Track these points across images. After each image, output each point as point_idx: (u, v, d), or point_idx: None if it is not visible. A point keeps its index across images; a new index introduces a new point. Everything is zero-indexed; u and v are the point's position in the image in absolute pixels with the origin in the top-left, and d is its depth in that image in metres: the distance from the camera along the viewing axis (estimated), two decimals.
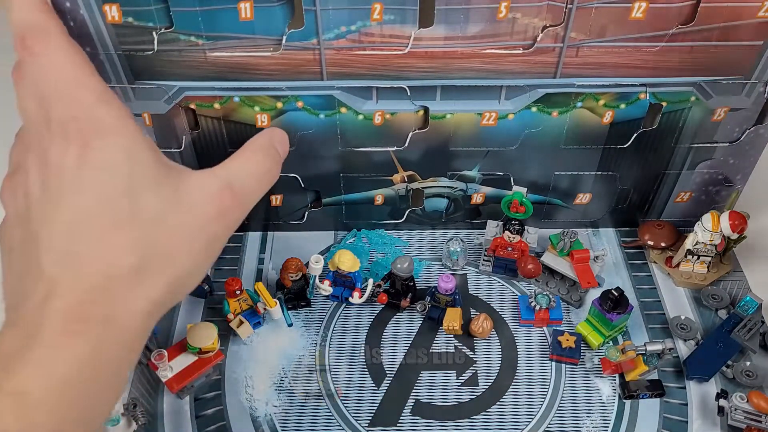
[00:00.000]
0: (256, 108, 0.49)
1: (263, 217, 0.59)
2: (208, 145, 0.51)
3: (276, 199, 0.57)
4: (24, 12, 0.36)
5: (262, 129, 0.49)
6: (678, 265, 0.56)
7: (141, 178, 0.35)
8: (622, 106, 0.50)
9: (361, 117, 0.50)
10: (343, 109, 0.49)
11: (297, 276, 0.53)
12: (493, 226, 0.58)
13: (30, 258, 0.34)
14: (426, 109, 0.50)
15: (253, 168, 0.40)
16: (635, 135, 0.52)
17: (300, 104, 0.48)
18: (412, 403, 0.48)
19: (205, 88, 0.47)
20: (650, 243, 0.58)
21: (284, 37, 0.44)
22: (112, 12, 0.42)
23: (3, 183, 0.38)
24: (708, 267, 0.56)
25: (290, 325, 0.53)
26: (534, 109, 0.50)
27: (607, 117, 0.50)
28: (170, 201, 0.36)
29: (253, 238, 0.60)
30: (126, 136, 0.36)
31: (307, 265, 0.54)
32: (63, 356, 0.32)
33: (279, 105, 0.48)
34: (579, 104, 0.49)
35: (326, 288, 0.54)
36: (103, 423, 0.36)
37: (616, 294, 0.49)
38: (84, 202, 0.34)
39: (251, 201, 0.39)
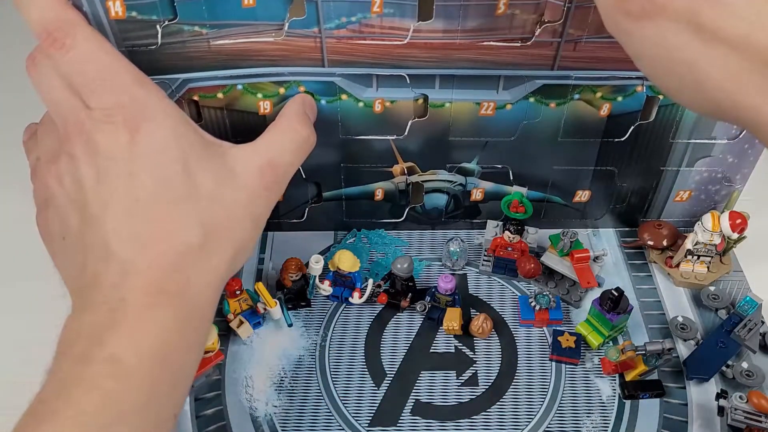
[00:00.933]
0: (259, 95, 0.49)
1: None
2: (212, 135, 0.51)
3: None
4: (46, 6, 0.37)
5: (265, 116, 0.50)
6: (678, 265, 0.56)
7: (192, 157, 0.37)
8: (620, 98, 0.50)
9: (361, 104, 0.50)
10: (344, 96, 0.49)
11: (297, 276, 0.53)
12: (492, 226, 0.58)
13: (93, 242, 0.35)
14: (425, 98, 0.50)
15: (292, 140, 0.42)
16: (632, 127, 0.52)
17: (302, 89, 0.48)
18: (412, 403, 0.48)
19: (209, 78, 0.47)
20: (650, 243, 0.58)
21: (286, 23, 0.44)
22: (116, 8, 0.41)
23: (44, 173, 0.39)
24: (708, 267, 0.56)
25: (290, 325, 0.53)
26: (532, 99, 0.50)
27: (605, 109, 0.51)
28: (221, 178, 0.38)
29: None
30: (170, 117, 0.37)
31: (307, 265, 0.54)
32: (149, 326, 0.34)
33: (282, 90, 0.48)
34: (576, 96, 0.50)
35: (326, 288, 0.54)
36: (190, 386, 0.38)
37: (615, 294, 0.49)
38: (143, 185, 0.36)
39: (292, 171, 0.42)
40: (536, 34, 0.45)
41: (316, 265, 0.53)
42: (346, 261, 0.53)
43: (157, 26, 0.43)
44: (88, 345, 0.33)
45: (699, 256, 0.55)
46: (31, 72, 0.37)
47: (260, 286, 0.51)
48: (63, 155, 0.37)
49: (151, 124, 0.36)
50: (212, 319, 0.38)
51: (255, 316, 0.52)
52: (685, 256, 0.55)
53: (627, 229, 0.61)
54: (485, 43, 0.46)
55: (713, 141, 0.53)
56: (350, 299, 0.54)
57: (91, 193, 0.36)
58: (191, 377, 0.37)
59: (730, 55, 0.28)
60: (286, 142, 0.42)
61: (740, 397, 0.45)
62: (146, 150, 0.36)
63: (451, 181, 0.56)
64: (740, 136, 0.52)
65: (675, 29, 0.29)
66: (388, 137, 0.53)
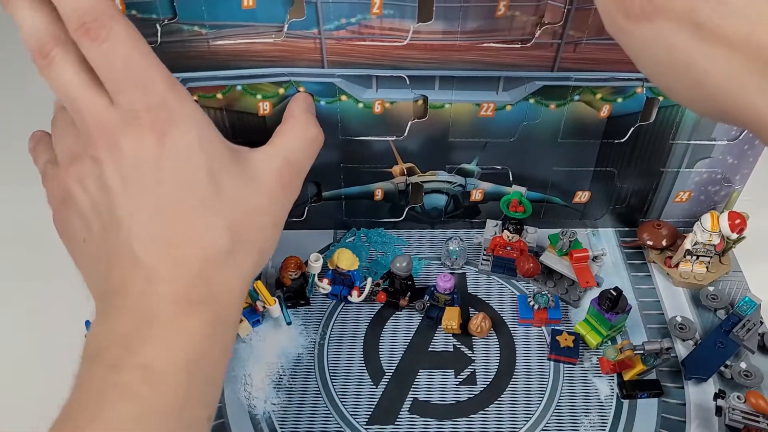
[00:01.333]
0: (258, 96, 0.49)
1: None
2: None
3: None
4: None
5: (264, 117, 0.50)
6: (677, 265, 0.56)
7: (217, 163, 0.37)
8: (619, 100, 0.50)
9: (361, 105, 0.50)
10: (344, 97, 0.49)
11: (296, 274, 0.53)
12: (492, 226, 0.58)
13: (117, 248, 0.35)
14: (425, 99, 0.50)
15: (303, 139, 0.43)
16: (632, 129, 0.52)
17: (302, 89, 0.49)
18: (410, 402, 0.48)
19: (208, 78, 0.47)
20: (649, 243, 0.58)
21: (286, 25, 0.44)
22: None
23: (62, 174, 0.38)
24: (707, 267, 0.56)
25: (289, 324, 0.53)
26: (531, 100, 0.50)
27: (605, 111, 0.51)
28: (244, 182, 0.38)
29: None
30: (196, 122, 0.37)
31: (306, 263, 0.54)
32: (178, 334, 0.34)
33: (281, 91, 0.49)
34: (576, 97, 0.50)
35: (325, 286, 0.54)
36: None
37: (614, 294, 0.49)
38: (169, 191, 0.35)
39: (306, 169, 0.43)
40: (536, 35, 0.45)
41: (316, 264, 0.53)
42: (345, 259, 0.53)
43: (157, 25, 0.43)
44: (120, 352, 0.33)
45: (698, 257, 0.55)
46: (42, 66, 0.35)
47: (259, 285, 0.51)
48: (86, 158, 0.36)
49: (178, 129, 0.36)
50: (238, 322, 0.39)
51: (254, 314, 0.52)
52: (684, 256, 0.55)
53: (626, 228, 0.61)
54: (485, 45, 0.46)
55: (713, 142, 0.53)
56: (349, 298, 0.54)
57: (116, 199, 0.35)
58: (222, 379, 0.37)
59: (730, 54, 0.28)
60: (298, 142, 0.43)
61: (738, 398, 0.45)
62: (173, 155, 0.35)
63: (450, 182, 0.57)
64: (740, 138, 0.52)
65: (674, 29, 0.29)
66: (388, 138, 0.53)
